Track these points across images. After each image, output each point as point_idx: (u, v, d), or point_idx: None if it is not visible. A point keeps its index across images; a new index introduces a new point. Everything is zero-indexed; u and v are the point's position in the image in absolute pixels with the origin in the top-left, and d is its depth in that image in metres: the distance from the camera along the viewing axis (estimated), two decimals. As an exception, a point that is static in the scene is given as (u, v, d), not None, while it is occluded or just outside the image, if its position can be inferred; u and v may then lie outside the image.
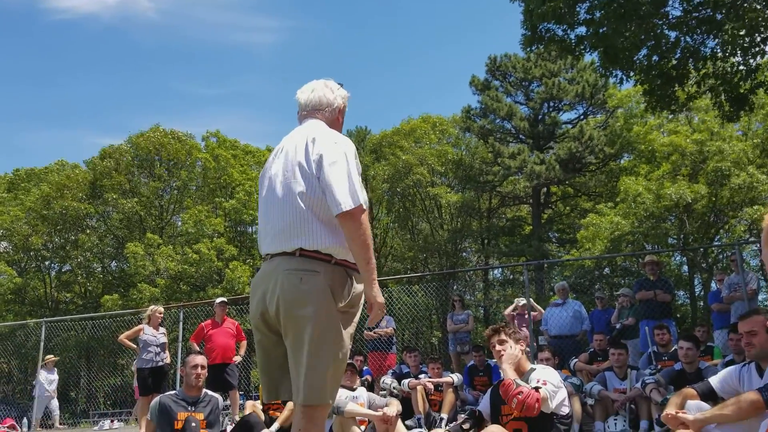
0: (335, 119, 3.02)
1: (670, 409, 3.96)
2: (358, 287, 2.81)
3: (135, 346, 9.29)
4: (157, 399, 5.32)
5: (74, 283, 33.62)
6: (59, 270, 34.04)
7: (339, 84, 3.12)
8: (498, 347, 4.11)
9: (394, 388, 7.95)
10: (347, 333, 2.78)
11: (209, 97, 58.94)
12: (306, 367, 2.68)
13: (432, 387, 7.78)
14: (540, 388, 3.71)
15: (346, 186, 2.67)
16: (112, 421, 12.62)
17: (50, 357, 13.71)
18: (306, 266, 2.73)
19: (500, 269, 31.10)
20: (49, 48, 56.65)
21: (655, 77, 9.84)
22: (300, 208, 2.75)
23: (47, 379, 13.29)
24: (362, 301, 2.87)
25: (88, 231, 31.83)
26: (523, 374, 3.99)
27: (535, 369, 4.01)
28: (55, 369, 14.01)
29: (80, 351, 25.64)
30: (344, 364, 2.80)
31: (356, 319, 2.83)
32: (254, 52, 59.20)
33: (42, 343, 14.17)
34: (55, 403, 13.43)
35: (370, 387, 8.79)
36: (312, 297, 2.69)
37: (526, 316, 10.18)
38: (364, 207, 2.67)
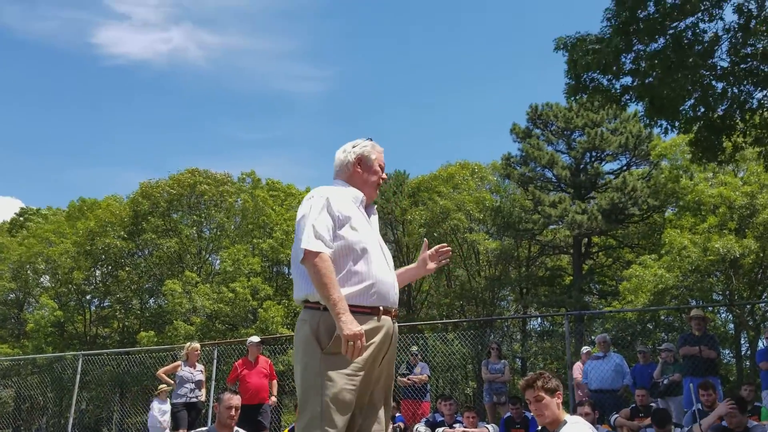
0: (353, 173, 3.28)
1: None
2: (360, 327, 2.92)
3: (172, 382, 9.32)
4: (189, 436, 5.29)
5: (113, 318, 34.08)
6: (99, 305, 34.60)
7: (367, 139, 3.37)
8: (533, 405, 3.96)
9: (427, 436, 7.79)
10: (340, 374, 2.86)
11: (251, 142, 60.21)
12: (298, 416, 2.92)
13: (467, 437, 7.61)
14: None
15: (302, 237, 2.93)
16: (143, 458, 12.52)
17: (163, 387, 12.51)
18: (302, 316, 3.01)
19: (539, 320, 30.55)
20: (102, 91, 58.73)
21: (701, 128, 9.71)
22: (292, 263, 3.07)
23: (160, 410, 12.02)
24: (376, 339, 2.97)
25: (127, 268, 32.37)
26: (557, 428, 3.83)
27: (566, 423, 3.84)
28: (168, 400, 12.43)
29: (114, 386, 25.82)
30: (341, 405, 2.83)
31: (364, 355, 2.90)
32: (298, 99, 60.52)
33: (78, 377, 14.28)
34: None
35: (403, 434, 8.63)
36: (299, 346, 2.96)
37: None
38: (314, 250, 2.88)
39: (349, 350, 2.77)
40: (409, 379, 10.56)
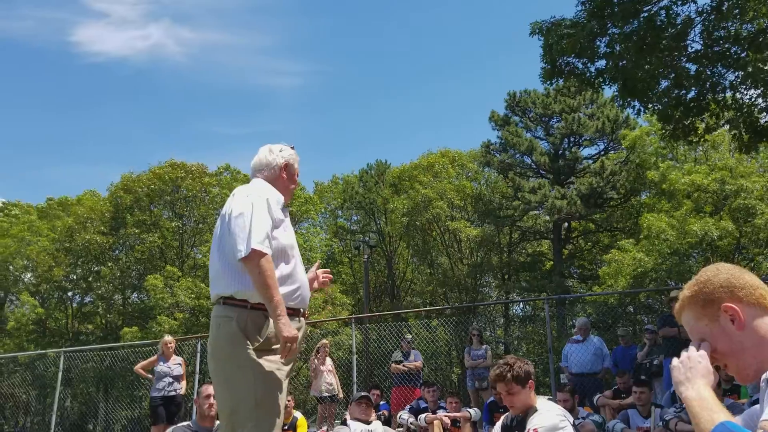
0: (278, 177, 3.29)
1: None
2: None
3: (151, 377, 9.27)
4: (170, 430, 5.26)
5: (95, 314, 33.80)
6: (81, 301, 34.28)
7: (290, 146, 3.41)
8: (505, 397, 3.92)
9: (411, 423, 7.82)
10: (272, 368, 2.93)
11: (230, 136, 59.90)
12: (228, 411, 2.93)
13: (449, 422, 7.64)
14: None
15: (245, 234, 2.89)
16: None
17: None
18: (224, 313, 2.98)
19: (521, 305, 30.75)
20: (81, 89, 58.04)
21: (673, 108, 9.79)
22: (219, 258, 3.05)
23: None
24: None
25: (109, 264, 32.09)
26: (527, 413, 3.82)
27: (537, 410, 3.81)
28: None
29: (98, 382, 25.65)
30: (273, 401, 2.91)
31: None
32: (276, 94, 60.26)
33: (60, 374, 14.16)
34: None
35: (387, 422, 8.65)
36: (224, 342, 2.94)
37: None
38: (264, 251, 2.86)
39: (285, 351, 2.84)
40: (405, 366, 10.64)
